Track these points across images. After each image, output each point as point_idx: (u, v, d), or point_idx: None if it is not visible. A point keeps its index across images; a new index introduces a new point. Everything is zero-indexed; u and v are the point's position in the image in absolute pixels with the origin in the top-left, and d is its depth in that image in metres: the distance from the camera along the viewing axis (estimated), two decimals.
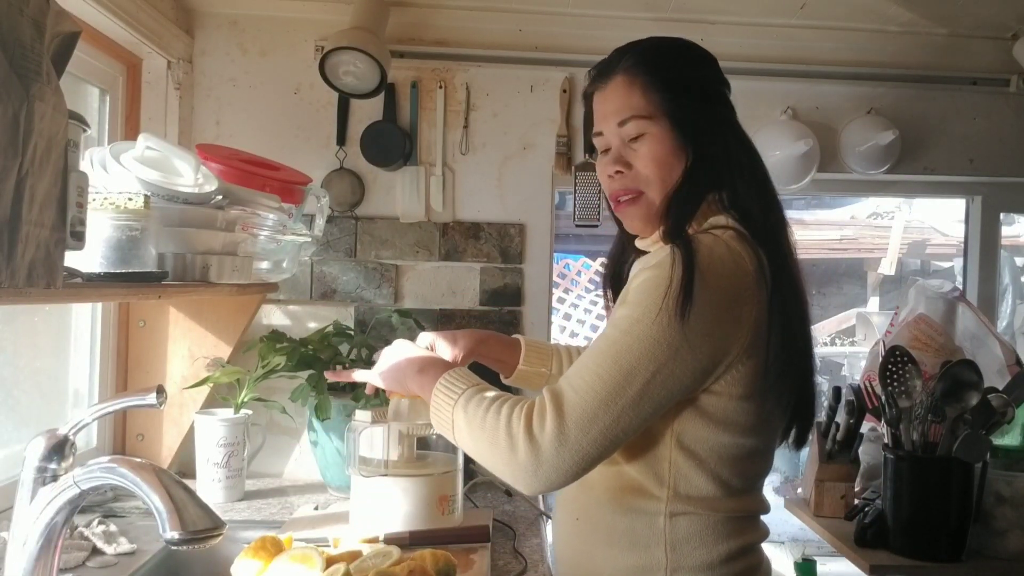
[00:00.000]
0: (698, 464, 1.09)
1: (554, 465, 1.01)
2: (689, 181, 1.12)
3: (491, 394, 1.10)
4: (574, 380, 1.04)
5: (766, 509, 1.18)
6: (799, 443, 1.19)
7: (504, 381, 1.46)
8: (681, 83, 1.14)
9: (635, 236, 1.23)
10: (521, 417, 1.03)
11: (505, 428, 1.03)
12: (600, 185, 1.25)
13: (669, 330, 1.00)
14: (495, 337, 1.45)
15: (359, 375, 1.38)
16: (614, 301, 1.30)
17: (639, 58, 1.16)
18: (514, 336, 1.48)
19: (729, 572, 1.10)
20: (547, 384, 1.42)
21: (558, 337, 5.55)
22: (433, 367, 1.19)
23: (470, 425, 1.08)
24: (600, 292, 6.14)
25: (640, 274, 1.06)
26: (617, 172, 1.16)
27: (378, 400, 1.82)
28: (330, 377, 1.47)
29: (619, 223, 1.26)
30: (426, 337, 1.39)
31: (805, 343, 1.12)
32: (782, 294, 1.07)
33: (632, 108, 1.14)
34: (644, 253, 1.22)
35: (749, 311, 1.04)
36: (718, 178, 1.13)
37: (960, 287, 2.39)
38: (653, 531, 1.10)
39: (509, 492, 1.97)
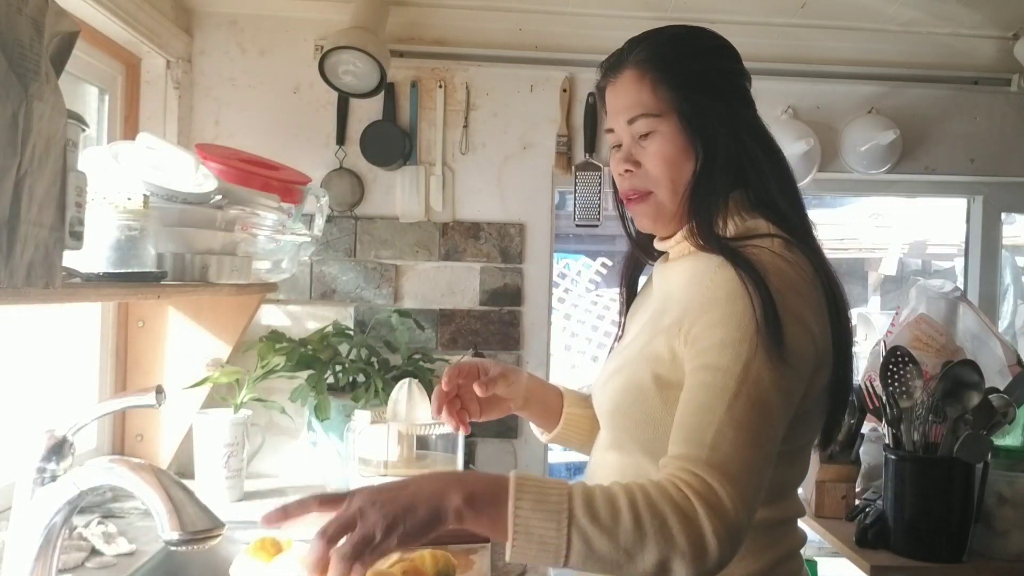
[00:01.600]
0: None
1: (739, 529, 0.89)
2: (703, 180, 1.07)
3: (610, 490, 0.88)
4: (720, 445, 0.91)
5: (803, 511, 1.14)
6: (826, 444, 1.16)
7: (545, 440, 1.33)
8: (693, 78, 1.09)
9: (652, 237, 1.19)
10: (689, 496, 0.87)
11: (687, 538, 0.85)
12: (600, 185, 1.22)
13: (781, 362, 0.94)
14: (539, 395, 1.29)
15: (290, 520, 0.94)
16: (627, 303, 1.27)
17: (650, 52, 1.11)
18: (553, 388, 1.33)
19: None
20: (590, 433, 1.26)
21: (558, 337, 5.54)
22: (475, 485, 0.87)
23: (612, 537, 0.84)
24: (600, 292, 6.08)
25: (712, 309, 0.98)
26: (627, 171, 1.12)
27: (378, 400, 1.82)
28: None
29: (623, 221, 1.23)
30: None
31: (853, 343, 1.09)
32: (835, 296, 1.04)
33: (642, 105, 1.09)
34: (662, 253, 1.19)
35: (823, 318, 1.01)
36: (738, 176, 1.08)
37: (961, 287, 2.39)
38: None
39: None
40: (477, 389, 1.17)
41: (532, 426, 1.35)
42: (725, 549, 0.86)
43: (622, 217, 1.23)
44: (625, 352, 1.15)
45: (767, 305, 0.95)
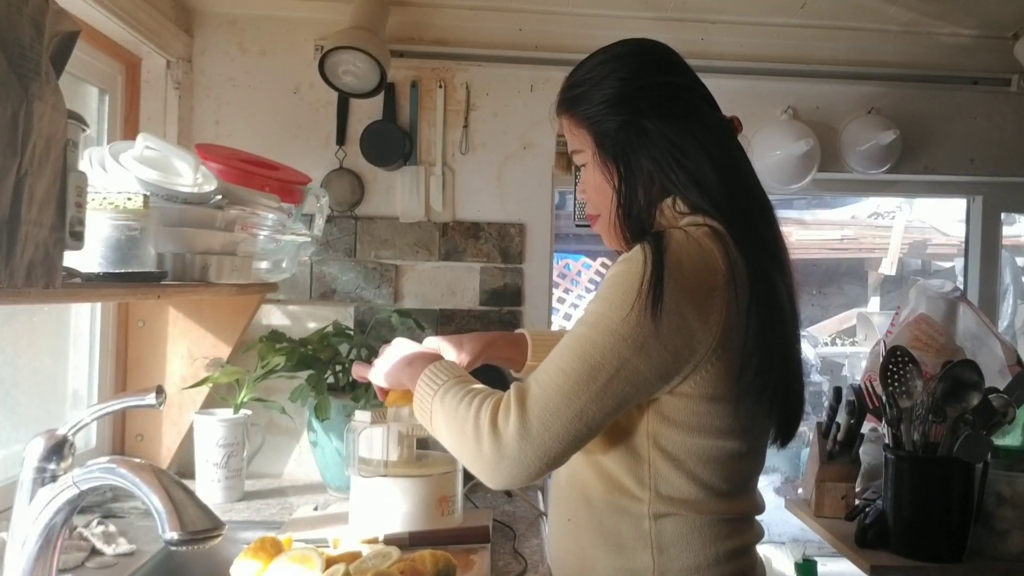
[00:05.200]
0: (676, 466, 1.07)
1: (516, 459, 1.01)
2: (626, 200, 1.13)
3: (473, 386, 1.10)
4: (540, 375, 1.04)
5: (759, 510, 1.17)
6: (782, 444, 1.17)
7: (516, 376, 1.45)
8: (595, 111, 1.15)
9: None
10: (487, 410, 1.03)
11: (473, 421, 1.04)
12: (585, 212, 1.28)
13: (636, 327, 0.99)
14: (502, 338, 1.44)
15: (368, 373, 1.35)
16: None
17: (569, 91, 1.19)
18: (519, 332, 1.46)
19: (719, 575, 1.09)
20: None
21: None
22: (422, 360, 1.19)
23: (445, 416, 1.09)
24: None
25: (611, 269, 1.06)
26: (582, 197, 1.27)
27: (378, 401, 1.82)
28: (356, 375, 1.41)
29: None
30: (431, 341, 1.38)
31: (786, 345, 1.10)
32: (759, 294, 1.05)
33: (570, 143, 1.21)
34: None
35: (719, 311, 1.02)
36: (660, 187, 1.12)
37: (961, 287, 2.39)
38: (639, 533, 1.08)
39: (509, 492, 1.96)
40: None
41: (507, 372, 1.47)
42: (493, 464, 1.02)
43: None
44: None
45: (655, 273, 1.00)
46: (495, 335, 1.44)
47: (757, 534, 1.17)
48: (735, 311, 1.03)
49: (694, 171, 1.11)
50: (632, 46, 1.19)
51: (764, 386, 1.07)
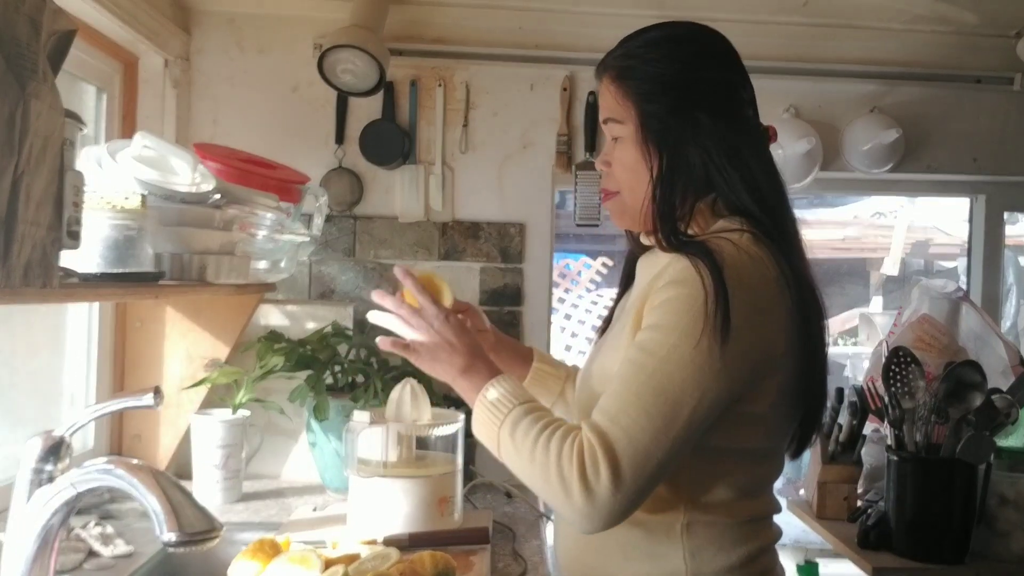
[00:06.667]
0: (715, 471, 1.07)
1: (612, 511, 0.97)
2: (662, 189, 1.08)
3: (541, 420, 1.04)
4: (620, 419, 0.98)
5: (778, 509, 1.17)
6: (797, 453, 1.16)
7: None
8: (656, 88, 1.09)
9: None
10: (573, 461, 0.97)
11: (556, 470, 0.98)
12: (601, 184, 1.23)
13: (711, 353, 0.96)
14: (510, 345, 1.43)
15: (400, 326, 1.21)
16: (620, 294, 1.29)
17: (620, 58, 1.13)
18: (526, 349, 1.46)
19: (748, 575, 1.08)
20: (561, 393, 1.39)
21: (558, 337, 5.54)
22: (477, 372, 1.13)
23: (518, 454, 1.03)
24: (600, 292, 6.09)
25: (663, 291, 1.01)
26: (603, 167, 1.18)
27: (377, 400, 1.81)
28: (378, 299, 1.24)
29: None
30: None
31: (824, 351, 1.10)
32: (806, 298, 1.05)
33: (609, 110, 1.14)
34: (647, 248, 1.21)
35: (778, 321, 1.02)
36: (705, 185, 1.08)
37: (964, 287, 2.38)
38: (671, 540, 1.07)
39: (509, 494, 1.96)
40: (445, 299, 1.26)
41: None
42: (588, 516, 0.97)
43: None
44: (602, 345, 1.21)
45: (720, 297, 0.97)
46: (505, 343, 1.43)
47: (777, 533, 1.17)
48: (791, 315, 1.03)
49: (744, 172, 1.08)
50: (695, 31, 1.15)
51: (807, 389, 1.07)
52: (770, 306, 1.01)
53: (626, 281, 1.28)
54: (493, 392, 1.09)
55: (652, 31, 1.15)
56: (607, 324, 1.27)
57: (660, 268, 1.07)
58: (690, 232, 1.10)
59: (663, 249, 1.09)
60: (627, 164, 1.12)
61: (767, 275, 1.02)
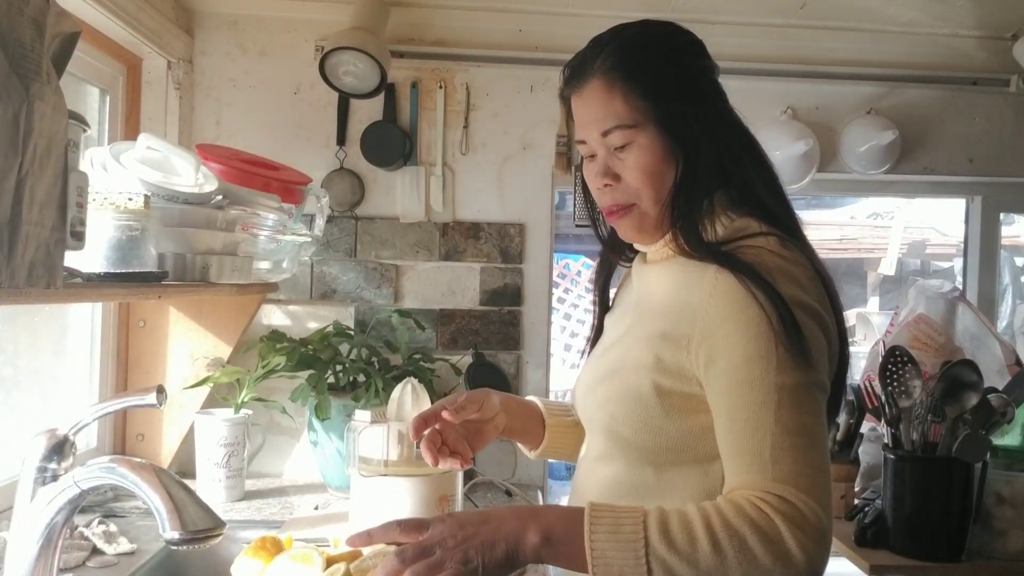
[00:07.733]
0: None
1: (824, 553, 0.89)
2: (687, 186, 1.03)
3: (676, 519, 0.87)
4: (778, 471, 0.89)
5: None
6: None
7: (535, 455, 1.28)
8: (666, 83, 1.03)
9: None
10: (767, 536, 0.85)
11: (765, 559, 0.85)
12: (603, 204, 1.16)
13: (795, 367, 0.92)
14: (515, 409, 1.24)
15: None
16: (600, 304, 1.24)
17: (617, 58, 1.04)
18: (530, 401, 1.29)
19: None
20: (577, 442, 1.21)
21: (558, 337, 5.54)
22: (563, 524, 0.90)
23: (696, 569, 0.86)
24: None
25: (721, 328, 0.95)
26: (606, 185, 1.06)
27: (378, 399, 1.82)
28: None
29: (594, 225, 1.21)
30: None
31: (847, 345, 1.08)
32: (831, 291, 1.03)
33: (615, 117, 1.03)
34: (633, 256, 1.18)
35: (829, 315, 1.00)
36: (720, 175, 1.04)
37: (960, 287, 2.39)
38: None
39: (509, 492, 1.97)
40: (447, 415, 1.10)
41: (520, 447, 1.29)
42: (815, 558, 0.87)
43: (593, 221, 1.21)
44: (608, 356, 1.12)
45: (781, 310, 0.93)
46: (513, 411, 1.23)
47: None
48: (830, 314, 1.01)
49: (757, 159, 1.07)
50: (669, 26, 1.11)
51: (840, 388, 1.06)
52: (822, 299, 0.99)
53: (603, 292, 1.23)
54: (602, 526, 0.87)
55: (630, 28, 1.09)
56: (596, 335, 1.22)
57: (679, 281, 1.04)
58: (706, 236, 1.04)
59: (686, 254, 1.03)
60: (649, 170, 1.03)
61: (809, 272, 1.00)
